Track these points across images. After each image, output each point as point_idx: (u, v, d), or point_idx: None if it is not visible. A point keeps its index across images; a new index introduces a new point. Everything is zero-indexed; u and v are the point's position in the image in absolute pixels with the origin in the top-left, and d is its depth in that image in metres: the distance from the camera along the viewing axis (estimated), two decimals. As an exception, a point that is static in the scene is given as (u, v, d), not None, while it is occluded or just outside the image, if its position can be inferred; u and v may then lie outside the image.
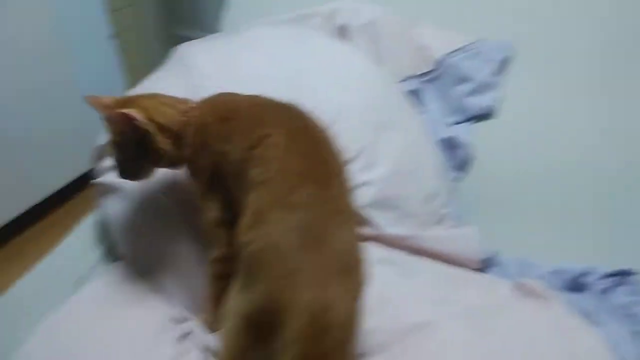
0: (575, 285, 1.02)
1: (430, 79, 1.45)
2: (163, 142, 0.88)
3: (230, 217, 0.82)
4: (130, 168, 0.92)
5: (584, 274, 1.02)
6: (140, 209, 1.04)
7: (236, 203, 0.81)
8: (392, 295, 0.90)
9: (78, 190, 2.21)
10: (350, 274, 0.69)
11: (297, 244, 0.67)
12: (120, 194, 1.05)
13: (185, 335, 0.90)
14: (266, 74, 1.17)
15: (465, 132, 1.36)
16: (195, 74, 1.19)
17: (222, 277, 0.83)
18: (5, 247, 1.99)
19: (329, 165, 0.80)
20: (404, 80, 1.44)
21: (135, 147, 0.88)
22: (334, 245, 0.69)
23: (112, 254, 1.12)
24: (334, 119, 1.02)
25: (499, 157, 1.34)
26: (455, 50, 1.44)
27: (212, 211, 0.87)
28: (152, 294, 0.97)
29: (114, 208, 1.06)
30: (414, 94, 1.43)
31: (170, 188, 1.04)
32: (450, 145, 1.34)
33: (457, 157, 1.33)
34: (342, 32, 1.48)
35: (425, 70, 1.44)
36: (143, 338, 0.88)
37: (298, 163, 0.77)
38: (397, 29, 1.48)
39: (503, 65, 1.43)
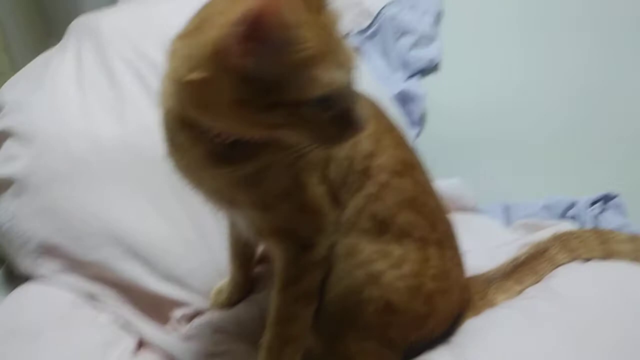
0: (566, 216, 1.03)
1: (371, 35, 1.37)
2: None
3: None
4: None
5: (572, 204, 1.03)
6: None
7: None
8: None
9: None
10: None
11: None
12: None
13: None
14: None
15: (416, 86, 1.31)
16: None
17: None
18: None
19: None
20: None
21: None
22: None
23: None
24: None
25: (452, 108, 1.32)
26: (391, 3, 1.38)
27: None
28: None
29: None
30: (358, 51, 1.34)
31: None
32: (404, 101, 1.29)
33: (413, 112, 1.28)
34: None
35: (364, 26, 1.37)
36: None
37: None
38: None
39: (439, 16, 1.40)
